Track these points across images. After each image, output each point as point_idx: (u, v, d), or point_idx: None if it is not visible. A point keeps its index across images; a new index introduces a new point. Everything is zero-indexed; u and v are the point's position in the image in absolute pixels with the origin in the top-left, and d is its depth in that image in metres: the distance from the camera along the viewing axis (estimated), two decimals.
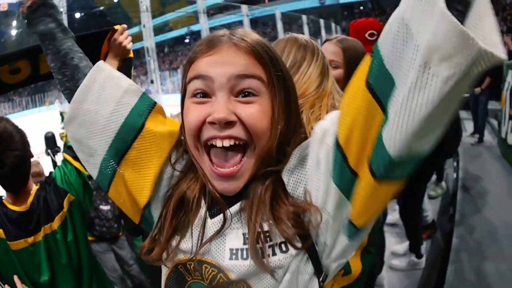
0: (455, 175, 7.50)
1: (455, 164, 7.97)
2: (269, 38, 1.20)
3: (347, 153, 0.94)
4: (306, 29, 19.62)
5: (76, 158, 2.38)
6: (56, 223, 2.35)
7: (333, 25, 27.09)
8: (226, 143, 1.02)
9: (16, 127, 2.28)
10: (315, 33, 23.46)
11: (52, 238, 2.33)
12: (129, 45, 2.27)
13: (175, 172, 1.22)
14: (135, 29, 42.06)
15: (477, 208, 5.95)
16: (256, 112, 1.01)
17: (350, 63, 2.49)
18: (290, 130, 1.09)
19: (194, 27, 47.91)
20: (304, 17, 18.66)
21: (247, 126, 1.01)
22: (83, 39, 2.19)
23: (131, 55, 2.35)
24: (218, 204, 1.11)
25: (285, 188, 1.09)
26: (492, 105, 10.49)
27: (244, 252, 1.07)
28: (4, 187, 2.32)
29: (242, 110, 1.01)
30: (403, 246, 4.93)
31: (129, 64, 2.35)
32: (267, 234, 1.05)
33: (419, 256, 4.81)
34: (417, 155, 0.86)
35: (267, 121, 1.03)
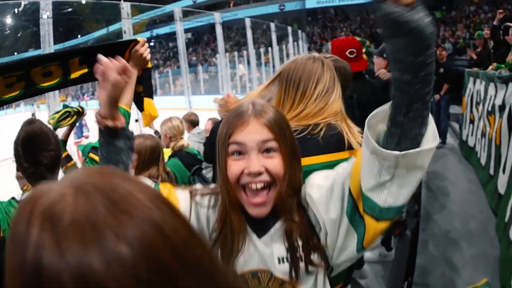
0: None
1: None
2: (234, 43, 1.62)
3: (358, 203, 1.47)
4: (274, 36, 19.75)
5: None
6: None
7: (299, 32, 27.20)
8: (259, 186, 1.47)
9: (49, 128, 2.47)
10: (281, 39, 23.50)
11: None
12: (148, 56, 2.55)
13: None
14: (102, 32, 41.87)
15: (441, 204, 6.37)
16: (276, 163, 1.47)
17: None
18: (296, 169, 1.56)
19: (159, 31, 47.87)
20: (272, 25, 18.85)
21: (271, 173, 1.47)
22: (108, 48, 2.47)
23: (149, 65, 2.64)
24: (261, 226, 1.57)
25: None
26: (454, 109, 11.01)
27: (289, 258, 1.54)
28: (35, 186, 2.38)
29: (267, 163, 1.47)
30: None
31: (149, 73, 2.66)
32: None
33: (388, 249, 5.14)
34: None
35: (282, 167, 1.48)
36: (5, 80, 2.25)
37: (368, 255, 5.14)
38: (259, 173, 1.45)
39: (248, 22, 15.80)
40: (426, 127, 1.32)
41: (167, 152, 4.51)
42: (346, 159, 1.90)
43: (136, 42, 2.48)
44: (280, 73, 2.15)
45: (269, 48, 22.25)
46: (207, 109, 24.55)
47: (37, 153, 2.33)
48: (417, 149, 1.28)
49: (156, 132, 6.03)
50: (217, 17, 13.16)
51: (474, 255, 4.63)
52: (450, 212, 6.09)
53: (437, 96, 10.28)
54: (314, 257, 1.54)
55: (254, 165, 1.44)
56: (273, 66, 23.99)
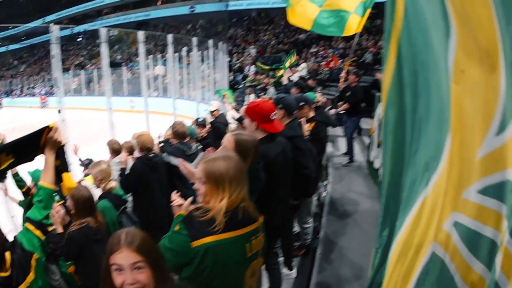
0: (324, 194, 8.33)
1: (325, 183, 8.83)
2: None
3: None
4: (195, 51, 19.61)
5: (37, 227, 3.10)
6: (30, 278, 2.90)
7: (220, 44, 26.78)
8: None
9: None
10: (202, 42, 23.14)
11: None
12: (61, 138, 3.15)
13: None
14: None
15: (342, 225, 6.81)
16: (145, 276, 2.11)
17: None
18: (163, 271, 2.23)
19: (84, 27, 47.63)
20: (194, 40, 18.69)
21: (142, 283, 2.09)
22: (27, 139, 3.06)
23: (63, 143, 3.23)
24: None
25: None
26: (368, 124, 11.33)
27: None
28: None
29: (139, 276, 2.10)
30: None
31: (62, 150, 3.26)
32: None
33: (290, 268, 5.55)
34: None
35: (151, 277, 2.13)
36: None
37: None
38: (133, 284, 2.09)
39: (170, 38, 15.46)
40: None
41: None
42: (255, 229, 2.76)
43: (49, 128, 3.07)
44: (210, 173, 2.67)
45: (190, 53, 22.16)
46: (128, 111, 24.44)
47: None
48: None
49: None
50: (140, 36, 12.94)
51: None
52: (350, 233, 6.52)
53: (332, 111, 10.44)
54: None
55: (129, 280, 2.09)
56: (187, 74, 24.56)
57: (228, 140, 3.41)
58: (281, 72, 17.34)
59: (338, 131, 11.74)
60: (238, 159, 2.78)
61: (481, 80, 1.71)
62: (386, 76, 2.49)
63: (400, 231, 2.21)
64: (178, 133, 6.45)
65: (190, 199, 2.89)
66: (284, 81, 12.16)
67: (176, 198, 2.97)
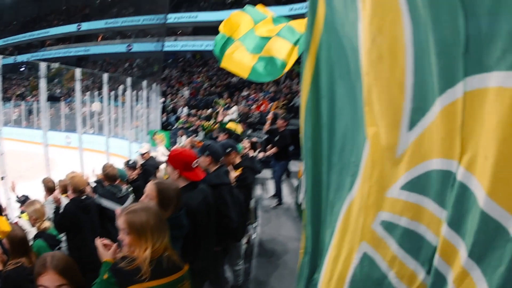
0: (254, 236, 8.43)
1: (254, 225, 8.89)
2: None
3: None
4: (129, 91, 19.62)
5: None
6: None
7: (154, 85, 26.74)
8: None
9: None
10: (137, 83, 23.01)
11: None
12: None
13: None
14: None
15: (272, 267, 6.95)
16: None
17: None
18: None
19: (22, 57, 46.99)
20: (128, 80, 18.72)
21: None
22: None
23: None
24: None
25: None
26: (296, 166, 11.55)
27: None
28: None
29: None
30: None
31: None
32: None
33: None
34: None
35: None
36: None
37: None
38: None
39: (105, 77, 15.56)
40: None
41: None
42: (180, 277, 2.88)
43: None
44: (132, 223, 2.80)
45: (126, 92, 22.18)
46: (64, 147, 23.95)
47: None
48: None
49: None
50: (77, 73, 12.90)
51: None
52: (280, 273, 6.68)
53: (260, 155, 10.90)
54: None
55: None
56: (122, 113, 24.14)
57: (150, 188, 3.53)
58: (216, 126, 17.64)
59: (267, 173, 11.83)
60: (157, 209, 2.96)
61: (385, 79, 1.83)
62: (304, 90, 2.68)
63: (332, 239, 2.33)
64: (109, 176, 6.48)
65: (115, 245, 2.96)
66: (215, 134, 12.32)
67: (99, 243, 3.02)
